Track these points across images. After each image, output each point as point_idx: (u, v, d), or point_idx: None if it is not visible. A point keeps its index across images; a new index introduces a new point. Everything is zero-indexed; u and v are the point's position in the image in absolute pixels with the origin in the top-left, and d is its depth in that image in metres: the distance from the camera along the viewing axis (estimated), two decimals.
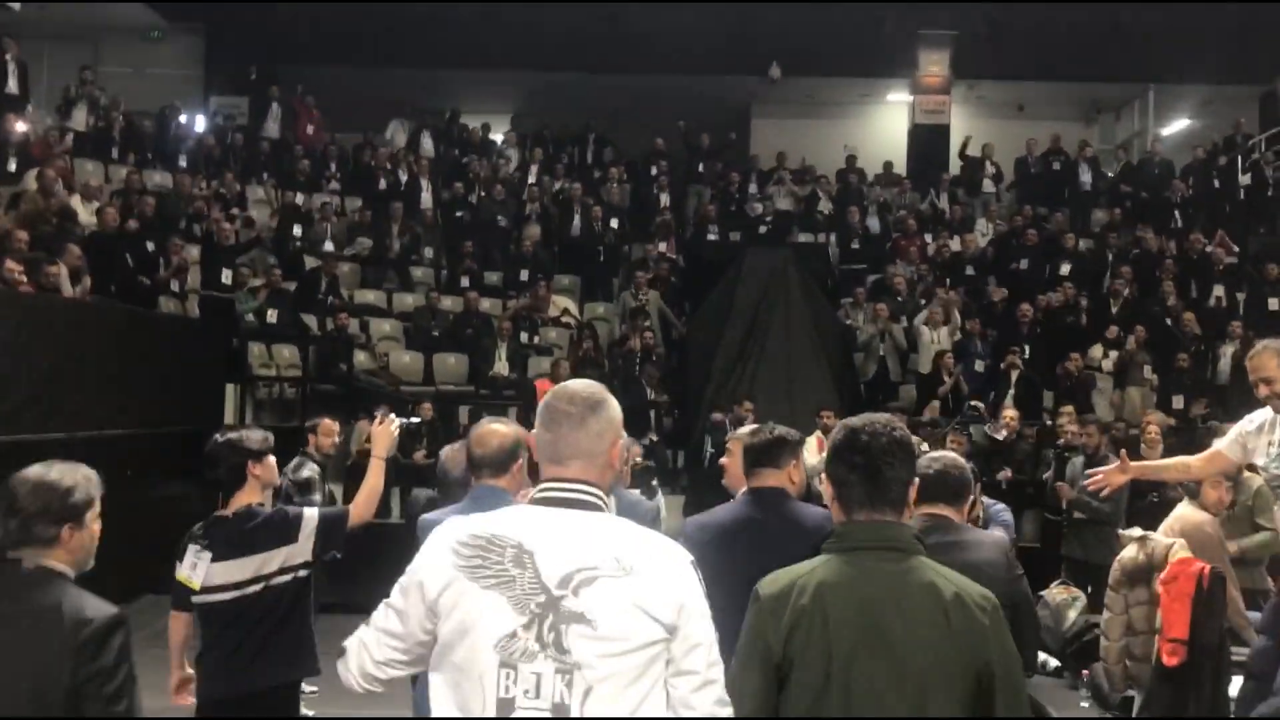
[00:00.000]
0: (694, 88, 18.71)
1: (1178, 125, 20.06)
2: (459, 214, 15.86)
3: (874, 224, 16.22)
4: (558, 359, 12.60)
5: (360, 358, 12.94)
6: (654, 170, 17.26)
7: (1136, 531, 5.28)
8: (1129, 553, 5.23)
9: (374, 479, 4.26)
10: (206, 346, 11.60)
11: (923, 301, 13.76)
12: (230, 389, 11.73)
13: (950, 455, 3.67)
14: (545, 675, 2.13)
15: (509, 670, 2.14)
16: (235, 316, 12.22)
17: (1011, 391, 12.00)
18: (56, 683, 2.55)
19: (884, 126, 20.60)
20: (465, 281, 14.62)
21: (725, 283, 13.35)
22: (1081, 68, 18.51)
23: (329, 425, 7.67)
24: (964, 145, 17.60)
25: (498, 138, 18.62)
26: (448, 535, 2.28)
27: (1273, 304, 13.70)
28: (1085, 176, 17.44)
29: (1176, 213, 16.57)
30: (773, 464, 3.73)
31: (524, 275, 14.62)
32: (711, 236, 16.08)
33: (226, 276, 12.54)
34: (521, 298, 14.06)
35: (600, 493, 2.33)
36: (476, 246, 15.15)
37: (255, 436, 4.04)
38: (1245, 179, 17.48)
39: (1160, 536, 5.18)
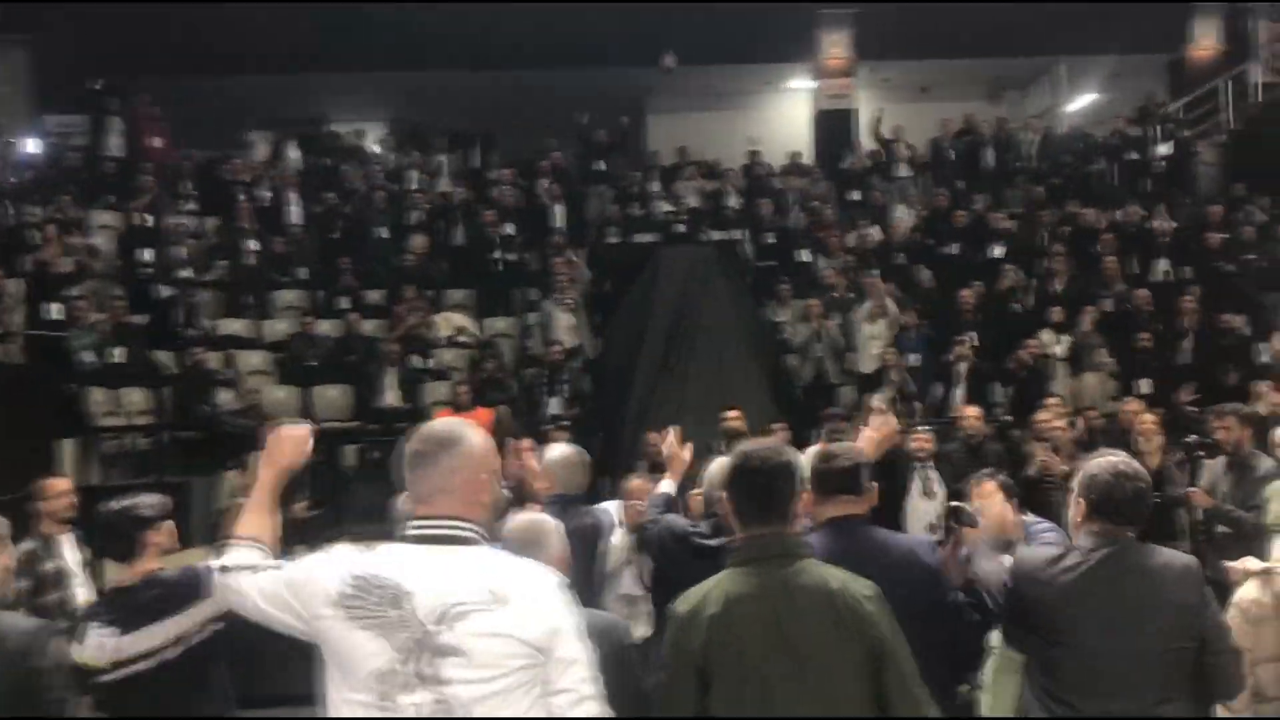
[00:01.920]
0: (583, 82, 17.36)
1: (1088, 98, 19.35)
2: (333, 228, 14.15)
3: (787, 216, 14.98)
4: (457, 383, 11.06)
5: (225, 397, 11.23)
6: (547, 171, 15.76)
7: (1254, 563, 3.98)
8: (1249, 592, 3.95)
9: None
10: (34, 395, 9.76)
11: (851, 295, 12.57)
12: (68, 444, 9.90)
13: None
14: (424, 705, 2.28)
15: (388, 703, 2.29)
16: (69, 358, 10.38)
17: (962, 385, 10.84)
18: None
19: (786, 115, 19.55)
20: (344, 302, 12.96)
21: (639, 288, 11.99)
22: (986, 44, 17.67)
23: (55, 485, 5.90)
24: (876, 122, 16.50)
25: (373, 146, 16.96)
26: (338, 569, 2.40)
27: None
28: (1002, 155, 16.53)
29: (1100, 187, 15.79)
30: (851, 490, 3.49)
31: (410, 292, 13.00)
32: (614, 239, 14.71)
33: (57, 311, 10.68)
34: (410, 317, 12.45)
35: (471, 526, 2.44)
36: (354, 263, 13.51)
37: (148, 502, 3.86)
38: (1163, 149, 16.83)
39: None
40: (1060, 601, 3.12)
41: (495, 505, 2.62)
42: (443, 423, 2.56)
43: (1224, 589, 6.07)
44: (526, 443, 8.54)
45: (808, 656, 2.73)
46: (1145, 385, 10.74)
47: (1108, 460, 3.25)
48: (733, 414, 8.84)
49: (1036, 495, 7.97)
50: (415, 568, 2.35)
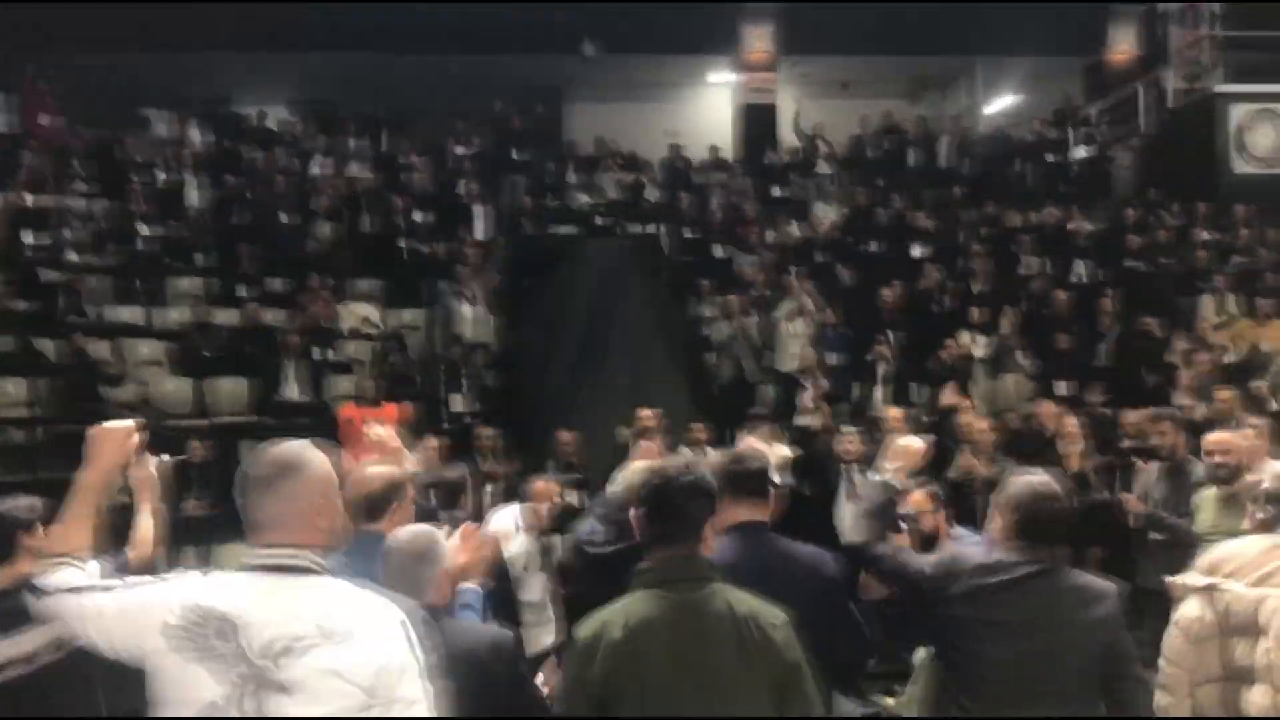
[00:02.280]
0: (500, 68, 16.89)
1: (1006, 100, 19.41)
2: (234, 213, 13.50)
3: (708, 212, 14.70)
4: (361, 377, 10.56)
5: (113, 390, 10.57)
6: (460, 157, 15.29)
7: (1198, 578, 3.73)
8: (1190, 610, 3.70)
9: (144, 529, 3.98)
10: None
11: (772, 293, 12.31)
12: None
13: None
14: None
15: None
16: None
17: (879, 386, 10.64)
18: None
19: (708, 108, 19.29)
20: (244, 291, 12.34)
21: (555, 281, 11.59)
22: (907, 42, 17.59)
23: None
24: (796, 119, 16.31)
25: (279, 129, 16.26)
26: (171, 598, 2.29)
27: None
28: (923, 154, 16.48)
29: (1018, 188, 15.82)
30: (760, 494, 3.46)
31: (314, 281, 12.43)
32: (529, 230, 14.29)
33: None
34: (314, 307, 11.88)
35: (311, 555, 2.34)
36: (256, 249, 12.89)
37: (23, 503, 3.77)
38: (1080, 152, 16.93)
39: (1238, 585, 3.62)
40: (980, 607, 3.18)
41: (337, 532, 2.47)
42: (280, 446, 2.43)
43: (1163, 600, 5.91)
44: (433, 441, 8.16)
45: (714, 686, 2.64)
46: (1064, 387, 10.62)
47: (1027, 480, 3.27)
48: (646, 414, 8.51)
49: (957, 499, 7.78)
50: (248, 599, 2.27)
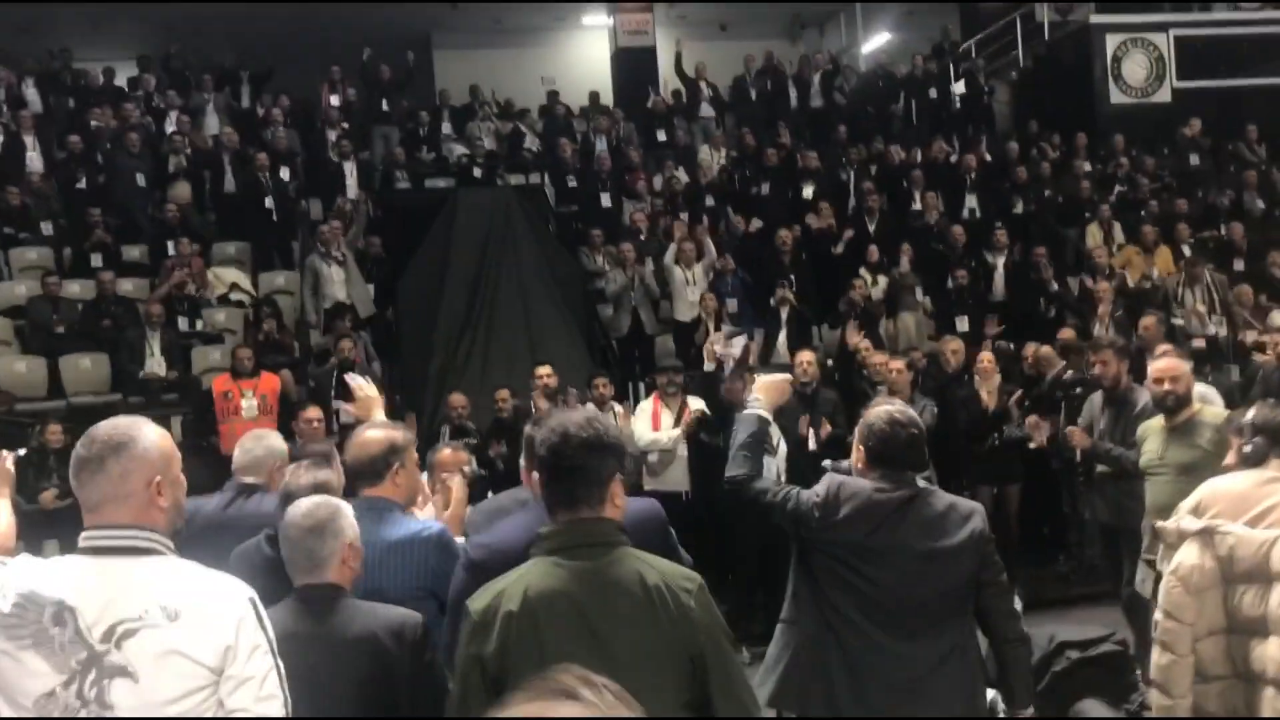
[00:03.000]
0: (366, 15, 15.99)
1: (884, 37, 19.22)
2: (79, 177, 12.46)
3: (592, 160, 14.16)
4: (234, 346, 9.81)
5: None
6: (328, 109, 14.42)
7: (1192, 521, 3.39)
8: (1188, 557, 3.38)
9: (8, 516, 3.84)
10: None
11: (661, 240, 11.90)
12: None
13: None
14: None
15: None
16: None
17: (784, 330, 10.34)
18: None
19: (583, 53, 18.66)
20: (96, 260, 11.40)
21: (436, 234, 10.93)
22: None
23: None
24: (678, 60, 15.85)
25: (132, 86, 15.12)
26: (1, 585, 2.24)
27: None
28: (803, 94, 16.19)
29: (900, 125, 15.67)
30: None
31: (173, 247, 11.54)
32: (403, 184, 13.56)
33: None
34: (177, 273, 11.02)
35: (149, 534, 2.27)
36: (108, 215, 11.93)
37: None
38: (959, 87, 16.85)
39: (1240, 528, 3.29)
40: (868, 532, 3.24)
41: (178, 509, 2.37)
42: (110, 423, 2.33)
43: (1114, 533, 5.70)
44: (313, 411, 7.55)
45: (620, 659, 2.34)
46: (962, 323, 10.48)
47: (884, 409, 3.35)
48: (545, 370, 8.02)
49: None
50: (83, 582, 2.21)
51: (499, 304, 10.35)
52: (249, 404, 8.85)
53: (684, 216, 12.29)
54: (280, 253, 12.40)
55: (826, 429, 7.38)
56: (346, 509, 3.00)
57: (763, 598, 7.46)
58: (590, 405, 7.95)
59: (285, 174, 12.78)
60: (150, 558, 2.25)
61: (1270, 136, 15.18)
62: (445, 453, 4.48)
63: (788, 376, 3.93)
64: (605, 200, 12.82)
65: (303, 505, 2.96)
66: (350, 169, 13.23)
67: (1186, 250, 12.35)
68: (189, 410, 9.62)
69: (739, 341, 8.89)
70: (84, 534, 2.27)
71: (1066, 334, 8.86)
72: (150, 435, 2.31)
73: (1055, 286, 10.75)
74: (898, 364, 7.53)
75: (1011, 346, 9.56)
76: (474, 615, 2.44)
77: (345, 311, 9.76)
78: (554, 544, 2.51)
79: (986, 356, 7.78)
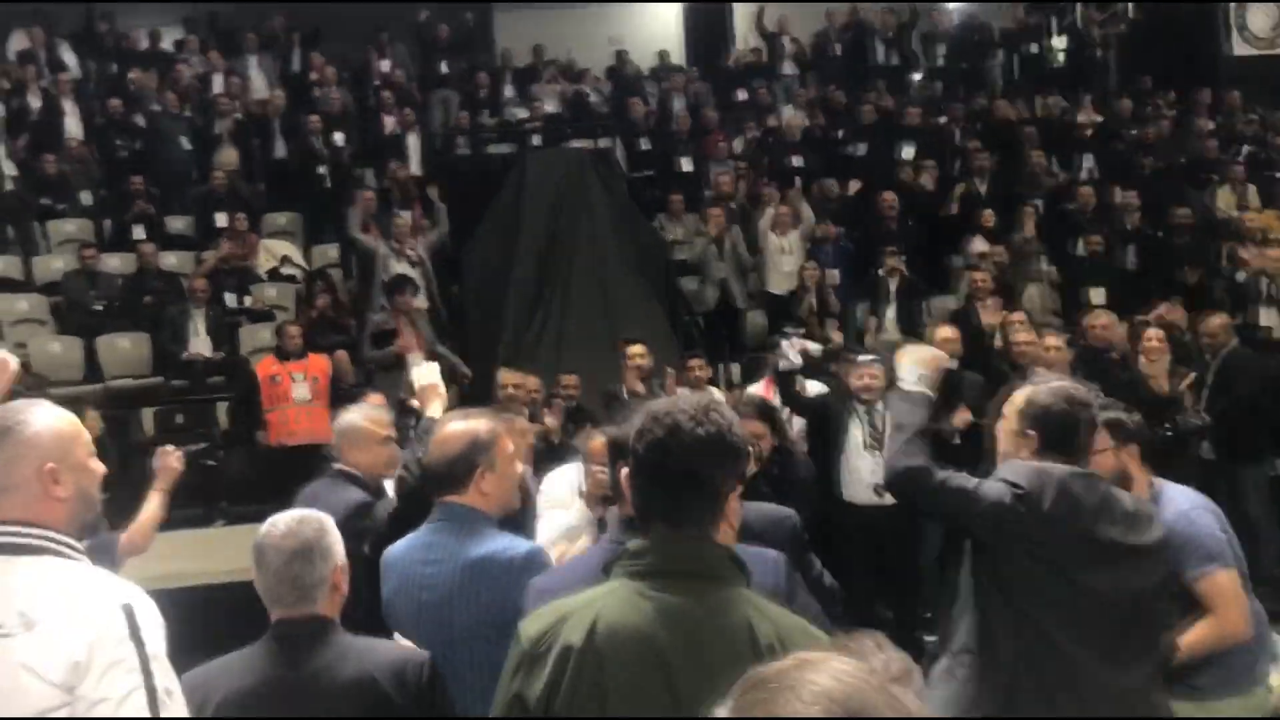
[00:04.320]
0: None
1: None
2: (121, 143, 11.61)
3: (669, 120, 13.09)
4: (282, 324, 8.88)
5: None
6: (383, 70, 13.46)
7: None
8: None
9: (153, 511, 4.26)
10: None
11: (748, 205, 10.80)
12: None
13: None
14: None
15: None
16: None
17: (893, 305, 9.23)
18: None
19: (651, 11, 17.47)
20: (138, 231, 10.55)
21: (503, 201, 9.95)
22: None
23: None
24: (759, 16, 14.69)
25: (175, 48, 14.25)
26: None
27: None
28: (892, 49, 14.96)
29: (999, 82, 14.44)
30: None
31: (221, 218, 10.66)
32: (463, 150, 12.59)
33: None
34: (227, 245, 10.12)
35: (37, 530, 2.03)
36: (150, 184, 11.07)
37: None
38: (1060, 41, 15.55)
39: None
40: (1085, 525, 2.74)
41: (84, 500, 2.11)
42: None
43: None
44: (376, 397, 6.58)
45: None
46: (1096, 295, 9.29)
47: (1056, 386, 2.91)
48: (638, 350, 6.98)
49: None
50: None
51: (574, 276, 9.35)
52: (300, 388, 7.95)
53: (768, 180, 11.20)
54: (335, 223, 11.46)
55: (966, 416, 6.28)
56: (330, 523, 2.56)
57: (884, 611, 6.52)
58: (682, 391, 6.93)
59: (339, 139, 11.84)
60: (33, 557, 2.01)
61: None
62: (599, 440, 3.55)
63: (937, 351, 3.28)
64: (686, 164, 11.72)
65: (281, 523, 2.51)
66: (414, 142, 12.21)
67: None
68: (235, 394, 8.73)
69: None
70: None
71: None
72: (42, 418, 2.07)
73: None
74: (1054, 340, 6.40)
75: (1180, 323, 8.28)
76: (524, 642, 1.94)
77: (407, 284, 8.73)
78: (643, 566, 1.93)
79: (1155, 334, 6.62)
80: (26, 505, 2.03)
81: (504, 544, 2.78)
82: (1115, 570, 2.74)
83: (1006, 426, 2.93)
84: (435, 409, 3.51)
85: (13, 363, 2.86)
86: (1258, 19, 14.50)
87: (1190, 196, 11.43)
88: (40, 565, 2.00)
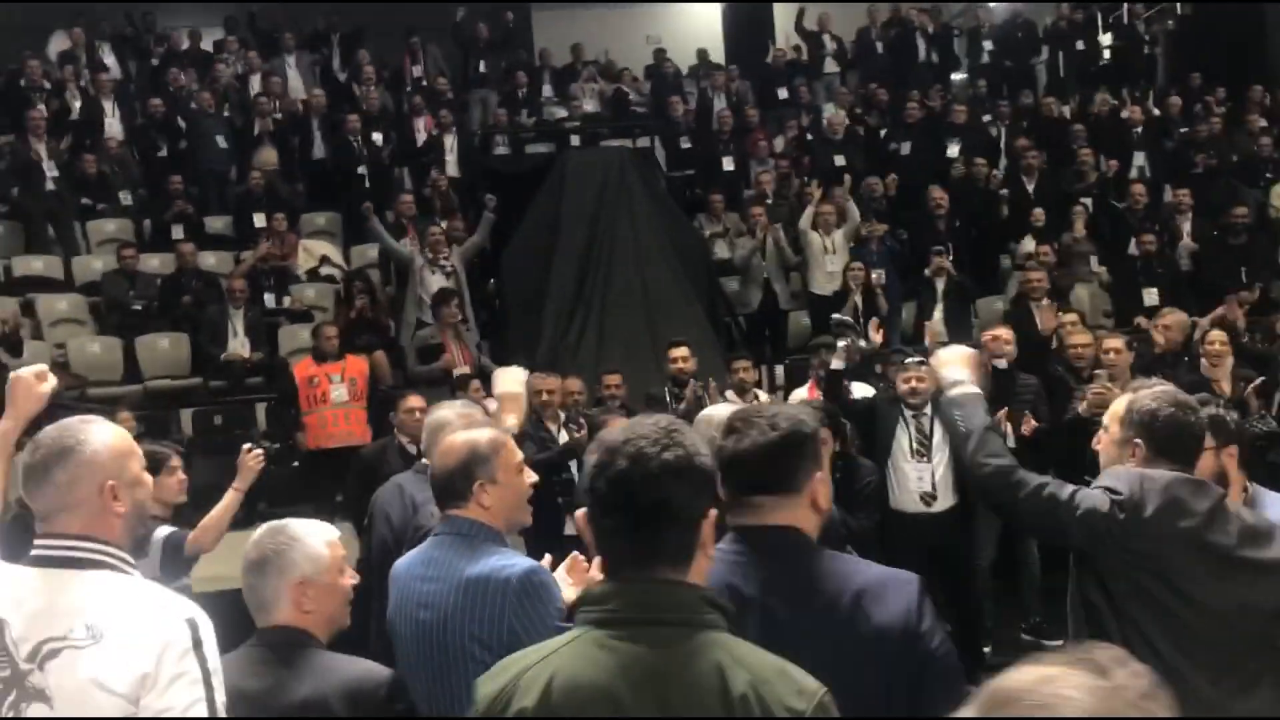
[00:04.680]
0: None
1: None
2: (161, 143, 11.60)
3: (710, 118, 12.93)
4: (320, 325, 8.80)
5: (25, 353, 8.78)
6: (418, 69, 13.39)
7: None
8: None
9: (223, 510, 4.28)
10: None
11: (792, 203, 10.62)
12: None
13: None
14: None
15: None
16: None
17: (939, 305, 9.03)
18: None
19: (690, 10, 17.34)
20: (177, 231, 10.52)
21: (543, 200, 9.82)
22: None
23: None
24: (799, 16, 14.51)
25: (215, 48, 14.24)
26: None
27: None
28: (935, 46, 14.72)
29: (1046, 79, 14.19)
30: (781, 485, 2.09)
31: (259, 219, 10.62)
32: (501, 149, 12.48)
33: None
34: (266, 245, 10.07)
35: (97, 545, 2.08)
36: (190, 183, 11.05)
37: None
38: (1107, 39, 15.27)
39: None
40: (1194, 533, 2.59)
41: (139, 514, 2.16)
42: (57, 428, 2.12)
43: None
44: (415, 400, 6.48)
45: None
46: (1150, 296, 9.05)
47: (1160, 391, 2.77)
48: (680, 352, 6.82)
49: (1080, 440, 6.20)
50: (19, 593, 2.04)
51: (614, 276, 9.19)
52: (338, 390, 7.85)
53: (807, 179, 11.02)
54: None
55: (1030, 423, 6.08)
56: (307, 540, 2.46)
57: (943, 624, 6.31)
58: (730, 396, 6.78)
59: (378, 138, 11.77)
60: (93, 571, 2.06)
61: None
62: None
63: (971, 350, 3.08)
64: (728, 163, 11.55)
65: (256, 533, 2.51)
66: (451, 143, 12.09)
67: None
68: (275, 395, 8.66)
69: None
70: (35, 542, 2.12)
71: None
72: (100, 436, 2.13)
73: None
74: (1115, 343, 6.18)
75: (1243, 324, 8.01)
76: (479, 702, 1.79)
77: (452, 297, 8.52)
78: (606, 613, 1.74)
79: (1218, 336, 6.40)
80: (87, 521, 2.08)
81: (500, 562, 2.63)
82: (1231, 584, 2.58)
83: (1109, 435, 2.79)
84: (511, 420, 3.39)
85: (49, 381, 2.80)
86: None
87: (1244, 195, 11.16)
88: (101, 579, 2.06)
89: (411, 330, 9.08)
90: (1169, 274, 9.33)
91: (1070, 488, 2.69)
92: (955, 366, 2.93)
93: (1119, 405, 2.79)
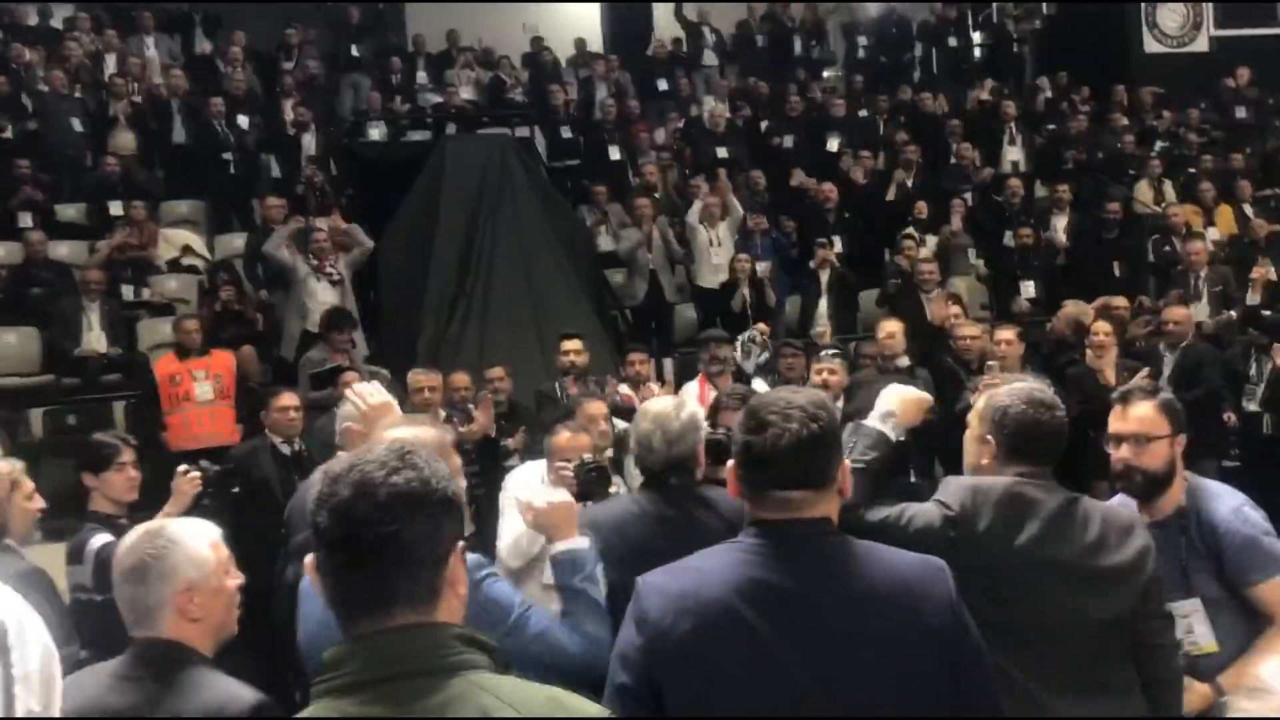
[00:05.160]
0: None
1: None
2: (5, 124, 10.86)
3: (592, 109, 12.75)
4: (182, 318, 8.29)
5: None
6: (290, 52, 12.87)
7: None
8: None
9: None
10: None
11: (675, 196, 10.53)
12: None
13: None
14: None
15: None
16: None
17: (825, 297, 9.01)
18: None
19: (567, 5, 17.10)
20: (25, 219, 9.85)
21: (420, 189, 9.48)
22: None
23: None
24: (678, 7, 14.41)
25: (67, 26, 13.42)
26: None
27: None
28: (810, 42, 14.81)
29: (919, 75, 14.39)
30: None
31: (116, 206, 10.02)
32: (376, 135, 12.06)
33: None
34: (123, 234, 9.47)
35: None
36: (39, 167, 10.36)
37: None
38: (979, 35, 15.59)
39: None
40: (1021, 547, 2.50)
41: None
42: None
43: None
44: (288, 398, 6.12)
45: None
46: (1027, 289, 9.20)
47: (1020, 388, 2.70)
48: (573, 345, 6.61)
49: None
50: None
51: (497, 268, 8.93)
52: (202, 387, 7.38)
53: (687, 172, 10.94)
54: (239, 212, 10.88)
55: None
56: (189, 542, 2.31)
57: None
58: (621, 389, 6.61)
59: (244, 122, 11.23)
60: None
61: None
62: (564, 436, 3.47)
63: (924, 394, 2.94)
64: (614, 153, 11.36)
65: (129, 538, 2.33)
66: (309, 141, 11.33)
67: (1248, 210, 11.23)
68: (135, 394, 8.15)
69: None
70: None
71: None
72: None
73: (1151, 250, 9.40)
74: (1007, 334, 6.20)
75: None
76: None
77: (345, 323, 7.72)
78: (346, 679, 1.49)
79: (1103, 326, 6.48)
80: None
81: None
82: (1072, 596, 2.50)
83: (970, 431, 2.72)
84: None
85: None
86: (1167, 17, 14.66)
87: (1114, 191, 11.47)
88: None
89: (295, 344, 8.56)
90: (1045, 267, 9.49)
91: (900, 509, 2.59)
92: (890, 403, 2.80)
93: (980, 401, 2.72)
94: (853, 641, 1.89)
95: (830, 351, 6.06)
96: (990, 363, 6.04)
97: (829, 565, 1.98)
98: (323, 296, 8.63)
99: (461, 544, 1.59)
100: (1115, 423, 2.95)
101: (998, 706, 2.05)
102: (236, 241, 10.42)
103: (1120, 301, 7.50)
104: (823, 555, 1.99)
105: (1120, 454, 2.92)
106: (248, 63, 12.54)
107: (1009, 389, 2.69)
